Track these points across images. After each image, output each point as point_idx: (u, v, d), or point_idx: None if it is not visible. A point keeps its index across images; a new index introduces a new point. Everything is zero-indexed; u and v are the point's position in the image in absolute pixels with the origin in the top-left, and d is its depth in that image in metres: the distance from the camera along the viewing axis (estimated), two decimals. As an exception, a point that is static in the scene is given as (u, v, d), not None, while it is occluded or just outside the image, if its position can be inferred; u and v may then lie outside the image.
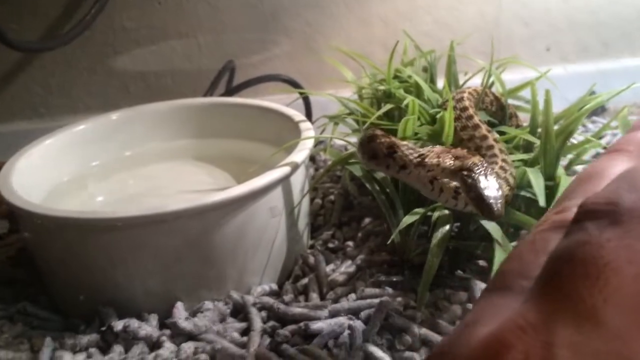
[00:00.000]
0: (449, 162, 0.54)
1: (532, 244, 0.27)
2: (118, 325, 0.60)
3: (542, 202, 0.56)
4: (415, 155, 0.55)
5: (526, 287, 0.24)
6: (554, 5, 1.24)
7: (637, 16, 1.26)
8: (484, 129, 0.67)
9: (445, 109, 0.65)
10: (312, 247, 0.79)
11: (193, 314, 0.64)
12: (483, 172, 0.51)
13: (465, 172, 0.52)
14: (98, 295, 0.64)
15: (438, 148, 0.57)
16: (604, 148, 0.96)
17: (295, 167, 0.69)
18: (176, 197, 0.79)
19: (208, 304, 0.64)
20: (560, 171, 0.63)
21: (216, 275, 0.66)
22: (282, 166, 0.67)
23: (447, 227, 0.60)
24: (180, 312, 0.63)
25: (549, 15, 1.24)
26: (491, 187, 0.49)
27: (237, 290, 0.67)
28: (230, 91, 1.13)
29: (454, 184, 0.56)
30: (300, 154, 0.71)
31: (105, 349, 0.61)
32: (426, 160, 0.55)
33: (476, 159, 0.53)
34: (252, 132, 0.89)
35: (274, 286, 0.70)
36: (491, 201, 0.48)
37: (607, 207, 0.22)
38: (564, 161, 0.70)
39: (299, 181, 0.72)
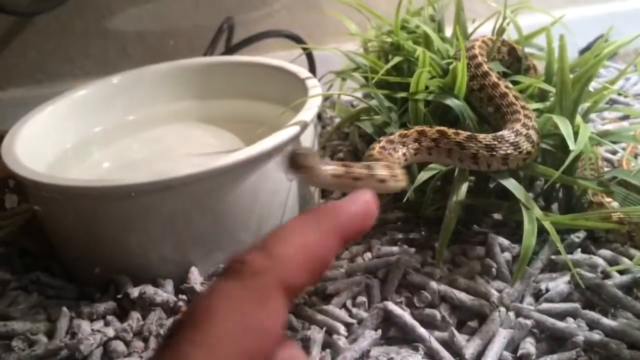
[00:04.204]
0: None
1: None
2: (134, 292, 0.60)
3: (572, 145, 0.54)
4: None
5: None
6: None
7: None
8: (494, 76, 0.65)
9: (458, 59, 0.62)
10: (323, 206, 0.78)
11: (209, 278, 0.63)
12: None
13: None
14: (112, 263, 0.64)
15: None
16: (619, 94, 0.94)
17: (304, 126, 0.67)
18: (184, 161, 0.77)
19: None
20: (579, 119, 0.61)
21: (229, 240, 0.65)
22: (291, 126, 0.66)
23: (466, 184, 0.59)
24: (195, 277, 0.63)
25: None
26: None
27: (251, 253, 0.66)
28: (230, 49, 1.10)
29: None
30: (309, 112, 0.69)
31: (122, 317, 0.61)
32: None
33: None
34: (257, 92, 0.86)
35: (288, 247, 0.69)
36: None
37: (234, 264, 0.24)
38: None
39: (308, 140, 0.70)
